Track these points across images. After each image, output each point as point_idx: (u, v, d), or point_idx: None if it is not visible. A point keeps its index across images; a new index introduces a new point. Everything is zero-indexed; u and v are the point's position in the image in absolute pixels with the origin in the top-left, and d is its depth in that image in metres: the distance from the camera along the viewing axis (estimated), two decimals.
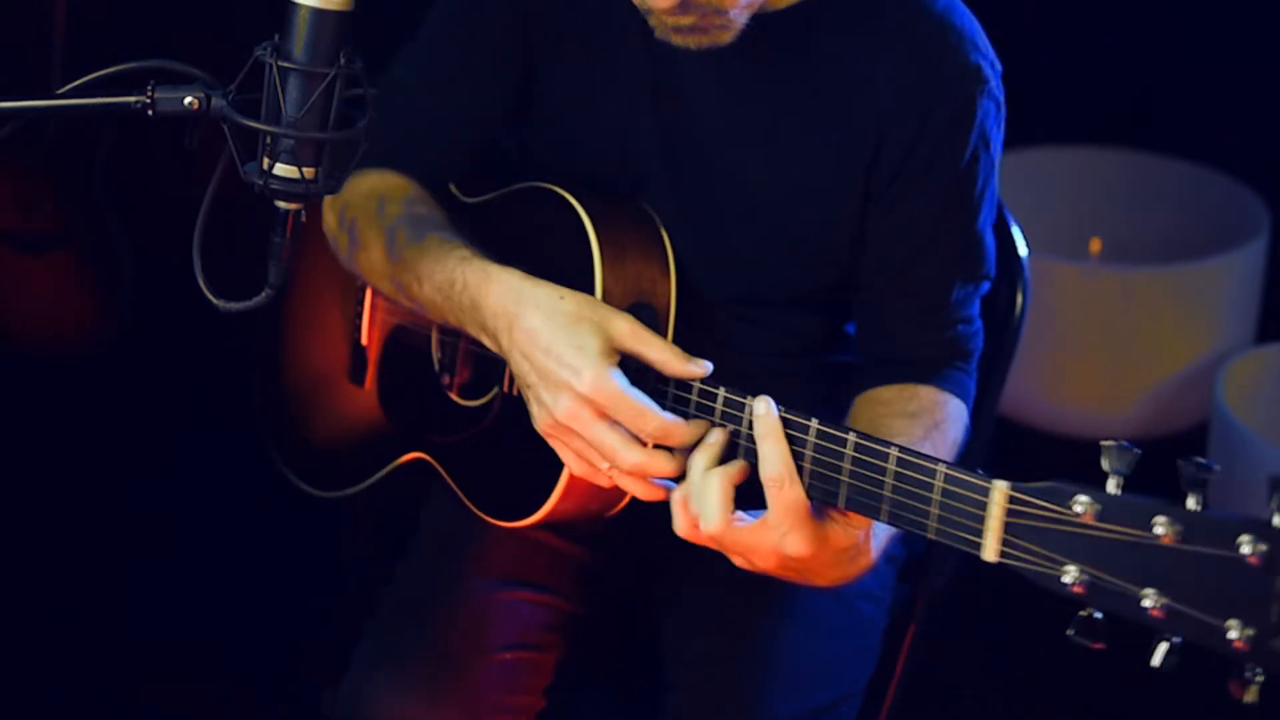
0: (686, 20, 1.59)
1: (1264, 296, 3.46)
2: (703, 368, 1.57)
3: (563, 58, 1.81)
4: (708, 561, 1.90)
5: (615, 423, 1.54)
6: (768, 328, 1.85)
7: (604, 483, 1.60)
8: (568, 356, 1.55)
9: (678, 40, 1.62)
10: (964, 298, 1.79)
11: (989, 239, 1.79)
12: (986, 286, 1.82)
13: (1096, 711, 2.80)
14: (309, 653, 2.72)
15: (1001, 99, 1.74)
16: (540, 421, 1.60)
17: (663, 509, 1.90)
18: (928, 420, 1.73)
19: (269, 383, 2.19)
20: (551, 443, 1.61)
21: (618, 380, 1.54)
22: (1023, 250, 2.06)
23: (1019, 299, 2.04)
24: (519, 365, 1.61)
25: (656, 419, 1.53)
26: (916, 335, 1.79)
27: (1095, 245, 3.55)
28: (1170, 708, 2.73)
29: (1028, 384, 3.31)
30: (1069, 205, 3.65)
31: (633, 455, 1.55)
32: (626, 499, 1.78)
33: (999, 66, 1.74)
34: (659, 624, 1.91)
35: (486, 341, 1.66)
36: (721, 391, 1.56)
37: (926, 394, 1.75)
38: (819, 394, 1.88)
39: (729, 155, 1.77)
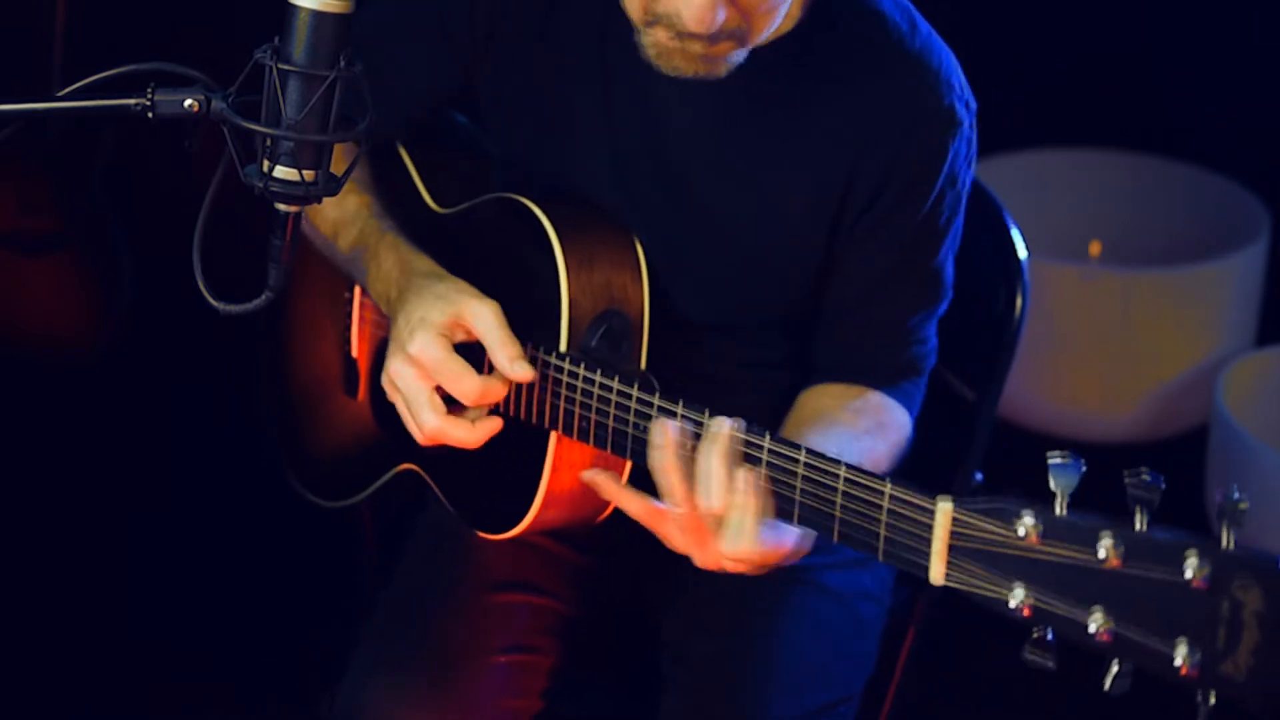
0: (700, 49, 1.59)
1: (1264, 299, 3.45)
2: (523, 373, 1.65)
3: (528, 66, 1.80)
4: None
5: (436, 389, 1.67)
6: (741, 344, 1.86)
7: (421, 440, 1.71)
8: (414, 321, 1.68)
9: (679, 65, 1.61)
10: (920, 322, 1.82)
11: (949, 268, 1.81)
12: (943, 308, 1.84)
13: (1093, 718, 2.80)
14: (307, 656, 2.72)
15: (974, 138, 1.75)
16: (384, 378, 1.74)
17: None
18: (872, 420, 1.76)
19: (273, 393, 2.19)
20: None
21: (441, 348, 1.66)
22: (1022, 252, 2.05)
23: (1019, 301, 2.04)
24: (394, 328, 1.74)
25: (473, 381, 1.65)
26: (872, 355, 1.82)
27: (1095, 247, 3.55)
28: (1171, 713, 2.73)
29: (1027, 386, 3.31)
30: (1069, 207, 3.64)
31: (430, 419, 1.67)
32: (613, 505, 1.78)
33: (974, 105, 1.75)
34: (656, 626, 1.91)
35: (382, 304, 1.80)
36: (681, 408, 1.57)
37: (875, 397, 1.79)
38: (788, 408, 1.88)
39: (698, 180, 1.77)
